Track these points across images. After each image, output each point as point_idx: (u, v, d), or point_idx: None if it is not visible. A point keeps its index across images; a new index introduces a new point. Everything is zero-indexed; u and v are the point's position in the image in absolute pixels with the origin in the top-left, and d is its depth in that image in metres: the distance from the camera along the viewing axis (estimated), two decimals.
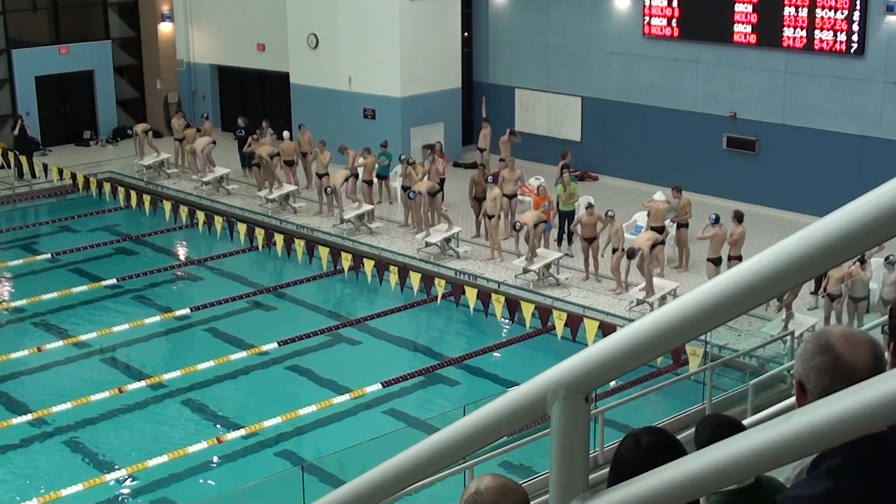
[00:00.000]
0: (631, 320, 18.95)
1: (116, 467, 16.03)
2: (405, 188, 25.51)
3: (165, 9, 35.09)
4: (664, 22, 27.00)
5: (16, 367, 19.29)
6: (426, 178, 25.29)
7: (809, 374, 2.43)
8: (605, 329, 18.33)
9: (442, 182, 25.87)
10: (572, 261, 22.84)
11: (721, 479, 2.05)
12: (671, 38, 26.99)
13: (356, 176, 26.64)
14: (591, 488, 2.31)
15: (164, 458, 15.96)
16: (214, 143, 29.46)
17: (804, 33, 24.65)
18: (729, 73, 26.32)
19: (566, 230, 23.38)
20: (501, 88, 31.03)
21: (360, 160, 26.41)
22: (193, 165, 29.73)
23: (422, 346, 20.27)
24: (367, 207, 25.68)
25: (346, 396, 17.92)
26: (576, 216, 23.41)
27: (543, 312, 19.75)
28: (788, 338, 16.86)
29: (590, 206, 22.07)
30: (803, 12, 24.56)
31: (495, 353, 19.61)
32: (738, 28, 25.71)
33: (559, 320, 19.17)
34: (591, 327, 18.50)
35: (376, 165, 26.62)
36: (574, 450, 2.28)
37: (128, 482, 15.86)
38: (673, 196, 22.71)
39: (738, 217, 20.57)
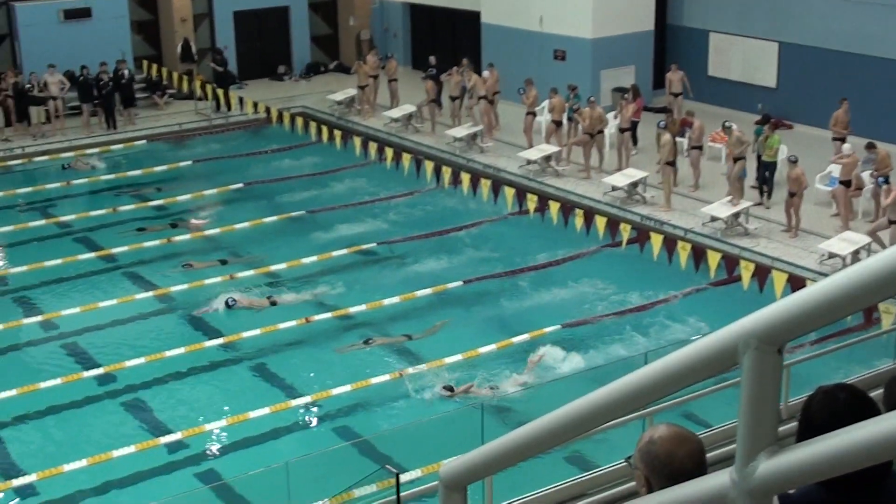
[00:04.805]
0: (822, 274, 18.47)
1: (174, 430, 15.45)
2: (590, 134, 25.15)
3: None
4: None
5: (102, 317, 19.30)
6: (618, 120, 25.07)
7: None
8: (794, 282, 17.90)
9: (634, 125, 25.56)
10: (768, 212, 22.21)
11: None
12: None
13: (533, 115, 26.60)
14: (778, 441, 2.26)
15: (222, 423, 15.64)
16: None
17: None
18: None
19: (766, 181, 22.74)
20: (695, 32, 30.32)
21: (546, 102, 26.35)
22: (369, 101, 30.26)
23: (603, 291, 20.11)
24: (553, 149, 25.56)
25: (526, 336, 17.94)
26: (776, 168, 22.74)
27: (730, 262, 19.38)
28: None
29: (795, 159, 21.19)
30: None
31: (678, 302, 19.34)
32: None
33: (746, 271, 18.79)
34: (779, 280, 18.08)
35: (566, 107, 26.41)
36: (764, 402, 2.23)
37: (181, 448, 15.19)
38: (868, 152, 21.88)
39: None
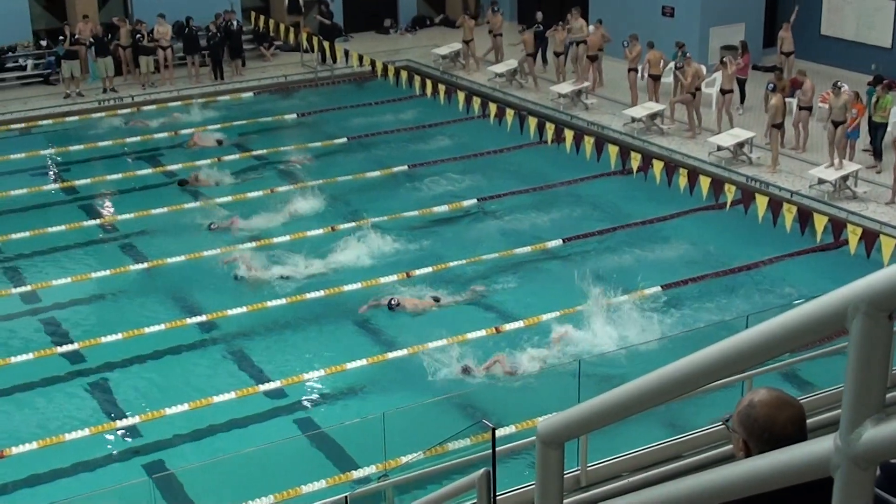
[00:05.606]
0: None
1: (273, 379, 15.63)
2: (691, 93, 24.73)
3: None
4: None
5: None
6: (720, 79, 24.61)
7: None
8: None
9: (742, 83, 25.15)
10: (878, 175, 21.71)
11: None
12: None
13: (636, 70, 26.31)
14: (885, 408, 2.20)
15: (321, 373, 15.77)
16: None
17: None
18: None
19: (877, 142, 22.21)
20: None
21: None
22: (474, 56, 30.14)
23: (705, 252, 19.86)
24: (656, 106, 25.23)
25: (625, 297, 17.76)
26: (887, 130, 22.17)
27: (837, 226, 19.00)
28: None
29: None
30: None
31: (782, 265, 19.04)
32: None
33: (853, 235, 18.41)
34: (887, 245, 17.69)
35: (671, 64, 25.97)
36: (872, 368, 2.17)
37: (280, 396, 15.32)
38: None
39: None
